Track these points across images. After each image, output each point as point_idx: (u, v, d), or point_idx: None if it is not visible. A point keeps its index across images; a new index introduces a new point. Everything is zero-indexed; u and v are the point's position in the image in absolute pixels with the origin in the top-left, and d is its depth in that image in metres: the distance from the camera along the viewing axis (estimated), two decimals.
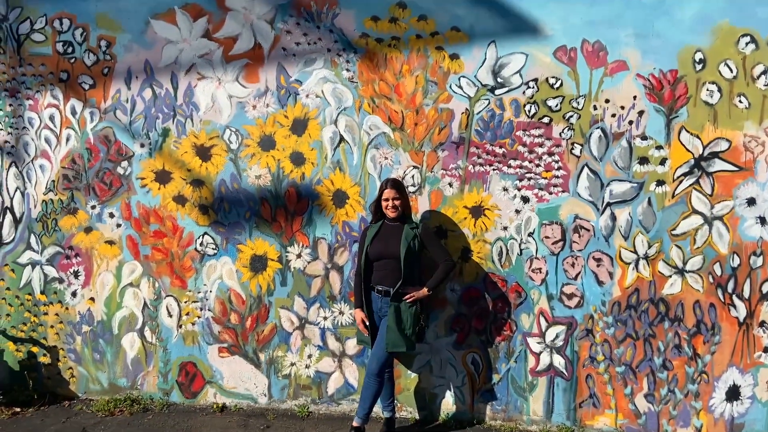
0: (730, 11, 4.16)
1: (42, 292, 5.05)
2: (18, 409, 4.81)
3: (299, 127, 4.68)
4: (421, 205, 4.56)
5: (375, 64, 4.57)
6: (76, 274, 4.99)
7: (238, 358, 4.84)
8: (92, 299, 4.98)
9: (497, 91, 4.44)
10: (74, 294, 5.01)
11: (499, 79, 4.44)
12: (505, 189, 4.46)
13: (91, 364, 5.04)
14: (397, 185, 4.16)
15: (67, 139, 4.95)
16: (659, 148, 4.29)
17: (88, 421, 4.58)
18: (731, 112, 4.21)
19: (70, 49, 4.90)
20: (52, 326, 5.06)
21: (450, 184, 4.52)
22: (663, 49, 4.24)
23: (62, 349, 5.08)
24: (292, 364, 4.79)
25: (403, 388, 4.66)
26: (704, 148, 4.24)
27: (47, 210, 4.99)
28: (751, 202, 4.22)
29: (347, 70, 4.59)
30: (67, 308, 5.04)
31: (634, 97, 4.29)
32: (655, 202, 4.30)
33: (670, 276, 4.32)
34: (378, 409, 4.41)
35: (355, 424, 4.16)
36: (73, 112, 4.92)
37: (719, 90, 4.21)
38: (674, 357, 4.34)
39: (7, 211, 5.04)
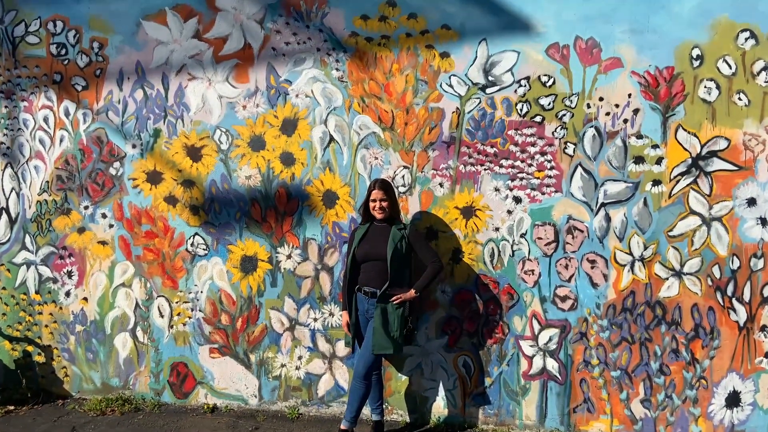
0: (729, 5, 4.03)
1: (36, 292, 5.10)
2: (12, 408, 4.85)
3: (289, 127, 4.65)
4: (411, 206, 4.50)
5: (365, 63, 4.52)
6: (69, 274, 5.02)
7: (228, 359, 4.82)
8: (85, 299, 5.01)
9: (488, 90, 4.36)
10: (68, 294, 5.04)
11: (490, 78, 4.36)
12: (496, 189, 4.38)
13: (85, 364, 5.07)
14: (385, 186, 4.11)
15: (61, 140, 4.99)
16: (655, 147, 4.17)
17: (78, 420, 4.60)
18: (730, 110, 4.08)
19: (63, 51, 4.94)
20: (46, 326, 5.10)
21: (441, 185, 4.45)
22: (659, 45, 4.12)
23: (56, 349, 5.11)
24: (283, 366, 4.76)
25: (394, 391, 4.61)
26: (702, 146, 4.12)
27: (42, 210, 5.03)
28: (752, 202, 4.08)
29: (337, 69, 4.55)
30: (61, 308, 5.07)
31: (629, 95, 4.18)
32: (651, 203, 4.19)
33: (667, 278, 4.20)
34: (368, 412, 4.36)
35: (342, 427, 4.11)
36: (67, 114, 4.95)
37: (718, 87, 4.08)
38: (672, 362, 4.21)
39: (3, 211, 5.09)
